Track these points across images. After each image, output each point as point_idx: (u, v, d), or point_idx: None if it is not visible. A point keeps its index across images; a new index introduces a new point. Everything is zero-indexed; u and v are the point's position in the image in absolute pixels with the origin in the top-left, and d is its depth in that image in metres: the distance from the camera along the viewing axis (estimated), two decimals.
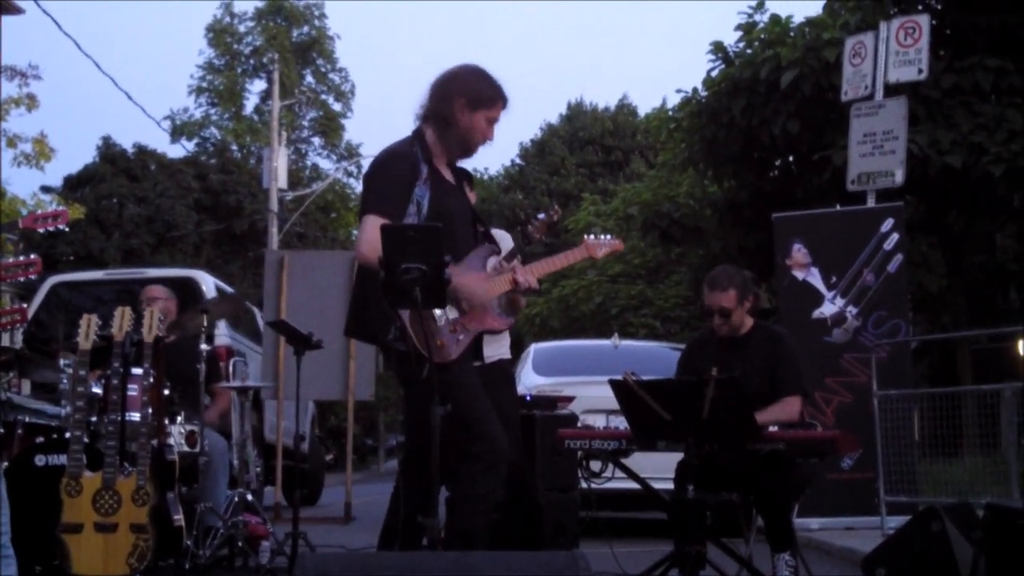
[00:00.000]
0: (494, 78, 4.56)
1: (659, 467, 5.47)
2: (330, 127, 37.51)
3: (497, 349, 5.51)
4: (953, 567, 4.52)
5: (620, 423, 5.06)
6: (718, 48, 13.79)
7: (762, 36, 13.24)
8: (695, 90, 14.13)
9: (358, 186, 37.67)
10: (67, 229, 7.77)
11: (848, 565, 6.81)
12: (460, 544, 4.31)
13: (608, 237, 5.08)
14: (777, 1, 40.96)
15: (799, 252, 9.23)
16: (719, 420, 4.46)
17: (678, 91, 14.69)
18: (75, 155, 62.67)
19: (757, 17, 13.57)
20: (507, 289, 4.56)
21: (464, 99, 4.47)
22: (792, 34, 12.95)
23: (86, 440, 5.33)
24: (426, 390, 3.95)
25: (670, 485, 5.02)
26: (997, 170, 11.38)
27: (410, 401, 4.49)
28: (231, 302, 9.25)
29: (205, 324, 6.40)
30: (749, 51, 13.32)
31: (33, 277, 6.46)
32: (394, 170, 4.43)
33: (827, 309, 9.06)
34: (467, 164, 4.92)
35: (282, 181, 27.50)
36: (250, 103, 36.75)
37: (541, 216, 5.22)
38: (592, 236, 5.06)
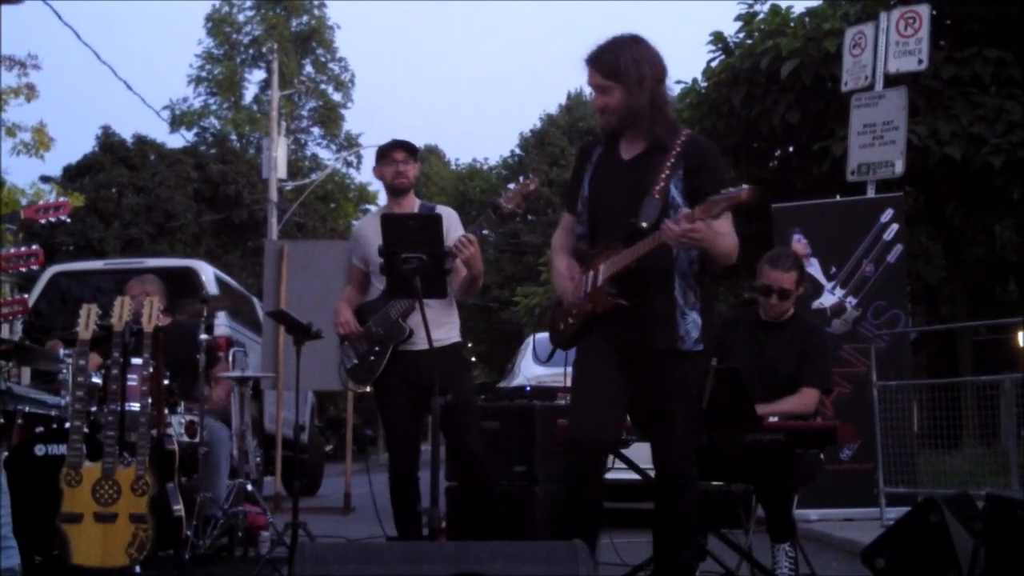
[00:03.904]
0: (596, 44, 4.06)
1: None
2: (329, 117, 37.45)
3: (447, 332, 5.18)
4: (953, 558, 4.52)
5: None
6: (718, 38, 13.79)
7: (762, 26, 13.23)
8: (695, 80, 14.15)
9: (358, 176, 37.69)
10: (68, 220, 7.74)
11: (847, 556, 6.80)
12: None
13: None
14: None
15: (799, 242, 9.22)
16: (718, 410, 4.45)
17: (678, 82, 14.67)
18: (74, 145, 62.72)
19: (757, 7, 13.58)
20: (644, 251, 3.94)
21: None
22: (792, 24, 12.94)
23: (86, 430, 5.32)
24: None
25: None
26: (996, 161, 11.38)
27: None
28: (230, 296, 9.23)
29: (204, 314, 6.41)
30: (749, 41, 13.32)
31: (35, 268, 6.45)
32: (575, 159, 4.28)
33: (826, 299, 9.06)
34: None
35: (281, 171, 27.46)
36: (249, 93, 36.73)
37: (511, 186, 5.10)
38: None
